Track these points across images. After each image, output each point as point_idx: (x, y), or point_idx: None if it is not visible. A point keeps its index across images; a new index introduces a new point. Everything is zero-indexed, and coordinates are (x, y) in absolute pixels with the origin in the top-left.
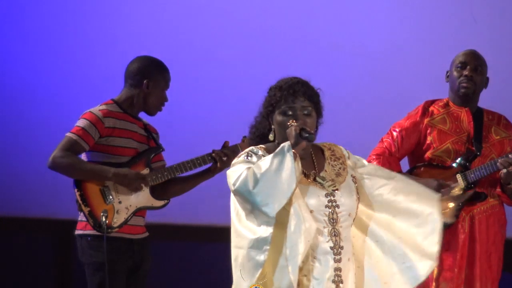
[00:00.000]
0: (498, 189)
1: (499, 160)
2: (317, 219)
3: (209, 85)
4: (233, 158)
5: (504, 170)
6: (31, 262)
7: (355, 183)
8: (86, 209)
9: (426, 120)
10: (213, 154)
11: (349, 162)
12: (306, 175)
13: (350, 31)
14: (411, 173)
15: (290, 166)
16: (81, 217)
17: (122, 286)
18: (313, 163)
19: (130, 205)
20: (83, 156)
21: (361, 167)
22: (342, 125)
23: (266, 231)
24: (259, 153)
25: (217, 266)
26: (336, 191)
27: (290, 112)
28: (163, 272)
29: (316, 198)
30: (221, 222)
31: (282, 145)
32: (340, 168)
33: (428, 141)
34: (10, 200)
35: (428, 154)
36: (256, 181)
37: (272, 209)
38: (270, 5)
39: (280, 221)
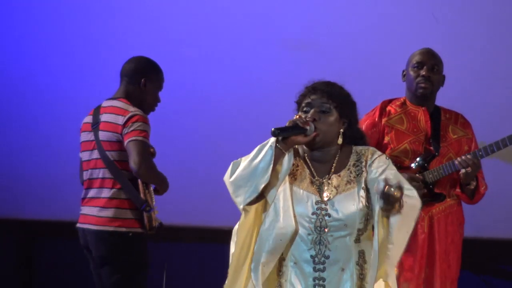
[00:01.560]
0: (458, 189)
1: (458, 159)
2: (302, 224)
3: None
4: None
5: (463, 170)
6: None
7: (367, 192)
8: (155, 212)
9: (383, 120)
10: None
11: (368, 169)
12: (313, 178)
13: (312, 30)
14: None
15: (266, 160)
16: (126, 214)
17: None
18: (331, 166)
19: (156, 207)
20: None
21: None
22: None
23: (238, 223)
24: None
25: (216, 267)
26: (331, 200)
27: (306, 108)
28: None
29: (304, 204)
30: (222, 224)
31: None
32: (356, 175)
33: (385, 141)
34: None
35: None
36: (234, 171)
37: (240, 201)
38: (232, 4)
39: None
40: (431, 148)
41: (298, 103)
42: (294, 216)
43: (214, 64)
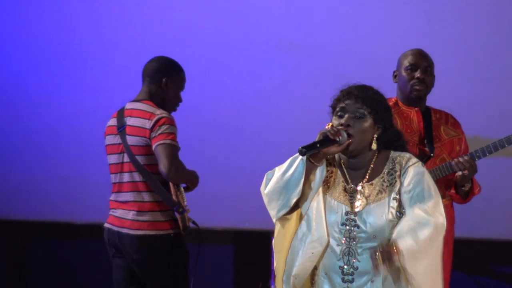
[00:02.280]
0: (452, 190)
1: (455, 161)
2: (332, 235)
3: None
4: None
5: (460, 173)
6: None
7: (399, 202)
8: (187, 211)
9: None
10: None
11: (402, 180)
12: (347, 185)
13: (305, 31)
14: None
15: (297, 174)
16: (162, 217)
17: None
18: (365, 174)
19: (187, 206)
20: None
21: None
22: (299, 127)
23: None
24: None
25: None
26: (360, 212)
27: (341, 113)
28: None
29: (335, 214)
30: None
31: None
32: (389, 184)
33: None
34: None
35: None
36: (267, 183)
37: (273, 214)
38: (228, 6)
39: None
40: (426, 149)
41: (333, 107)
42: (327, 227)
43: (212, 65)
